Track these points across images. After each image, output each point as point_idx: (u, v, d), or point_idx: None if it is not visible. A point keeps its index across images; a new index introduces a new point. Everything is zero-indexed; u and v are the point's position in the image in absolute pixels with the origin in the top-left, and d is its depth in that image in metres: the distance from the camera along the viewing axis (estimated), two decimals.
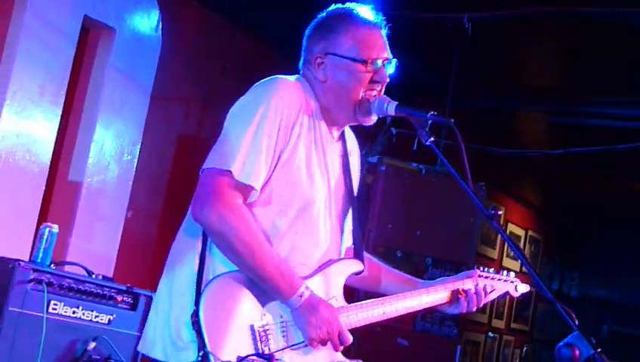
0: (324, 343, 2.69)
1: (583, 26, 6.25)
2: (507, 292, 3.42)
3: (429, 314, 6.72)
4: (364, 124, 2.97)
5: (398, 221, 6.56)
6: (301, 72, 2.98)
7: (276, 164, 2.71)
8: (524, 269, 9.02)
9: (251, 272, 2.64)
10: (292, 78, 2.89)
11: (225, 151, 2.67)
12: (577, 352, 2.45)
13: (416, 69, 7.04)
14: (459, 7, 6.12)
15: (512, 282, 3.41)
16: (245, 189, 2.64)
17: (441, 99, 6.68)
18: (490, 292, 3.30)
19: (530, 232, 11.52)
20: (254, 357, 2.18)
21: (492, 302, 10.69)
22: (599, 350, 2.45)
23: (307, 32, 2.99)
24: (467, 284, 3.23)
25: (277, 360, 2.13)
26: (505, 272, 3.42)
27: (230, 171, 2.61)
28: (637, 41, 5.18)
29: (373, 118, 2.94)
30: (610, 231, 12.78)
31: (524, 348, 11.82)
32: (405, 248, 6.49)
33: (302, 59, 2.99)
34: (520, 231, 11.22)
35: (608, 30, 6.03)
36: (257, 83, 2.82)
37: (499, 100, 7.98)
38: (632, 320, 13.29)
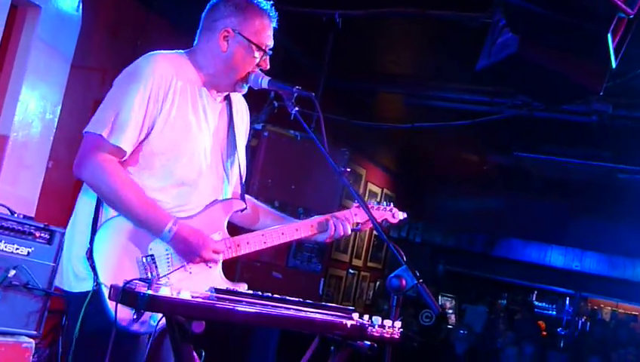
0: (203, 261, 2.68)
1: (430, 26, 6.34)
2: (386, 219, 3.30)
3: (299, 253, 6.77)
4: (238, 92, 2.93)
5: (276, 177, 6.55)
6: (195, 40, 2.88)
7: (151, 128, 2.66)
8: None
9: (126, 215, 2.61)
10: (171, 52, 2.80)
11: (100, 117, 2.63)
12: (404, 282, 2.48)
13: (296, 55, 7.02)
14: (332, 4, 6.09)
15: (390, 211, 3.31)
16: (115, 150, 2.60)
17: (317, 80, 6.69)
18: (368, 220, 3.06)
19: (385, 190, 11.72)
20: (137, 281, 2.12)
21: (353, 243, 10.79)
22: (421, 280, 2.48)
23: (216, 2, 2.86)
24: (342, 215, 3.12)
25: (157, 284, 2.07)
26: (385, 203, 3.32)
27: (101, 135, 2.58)
28: (472, 38, 5.27)
29: (245, 89, 2.90)
30: (447, 191, 13.17)
31: (377, 282, 12.05)
32: (282, 199, 6.48)
33: (202, 26, 2.87)
34: (377, 190, 11.40)
35: (450, 29, 6.13)
36: (138, 59, 2.73)
37: (363, 83, 8.03)
38: (461, 262, 13.77)
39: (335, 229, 3.05)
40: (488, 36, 4.71)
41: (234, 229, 3.04)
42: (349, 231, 3.12)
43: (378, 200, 3.47)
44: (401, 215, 3.37)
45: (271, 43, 2.87)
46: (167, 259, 2.66)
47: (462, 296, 13.80)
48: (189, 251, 2.65)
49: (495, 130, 7.96)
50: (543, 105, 6.50)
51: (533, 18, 4.06)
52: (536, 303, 14.89)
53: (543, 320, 13.76)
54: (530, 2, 4.05)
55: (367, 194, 10.76)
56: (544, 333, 13.16)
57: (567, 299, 14.23)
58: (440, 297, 13.24)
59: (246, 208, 2.97)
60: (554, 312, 14.69)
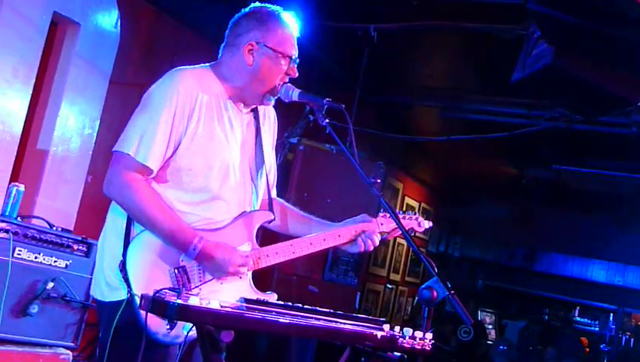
0: (230, 276, 2.70)
1: (465, 38, 6.33)
2: (412, 228, 3.28)
3: (335, 266, 6.77)
4: (264, 105, 2.94)
5: (312, 191, 6.54)
6: (220, 54, 2.92)
7: (178, 145, 2.69)
8: (417, 234, 9.09)
9: (153, 233, 2.65)
10: (194, 67, 2.84)
11: (127, 136, 2.67)
12: (435, 293, 2.47)
13: (332, 69, 7.04)
14: (367, 19, 6.11)
15: (416, 219, 3.29)
16: (142, 168, 2.64)
17: (352, 94, 6.70)
18: (394, 229, 3.11)
19: (423, 204, 11.64)
20: (167, 291, 2.15)
21: (390, 258, 10.70)
22: (452, 292, 2.47)
23: (238, 18, 2.91)
24: (370, 226, 3.10)
25: (186, 294, 2.09)
26: (409, 212, 3.32)
27: (129, 154, 2.62)
28: (506, 51, 5.25)
29: (272, 102, 2.92)
30: (485, 204, 13.04)
31: (416, 298, 11.96)
32: (318, 213, 6.46)
33: (227, 42, 2.91)
34: (415, 203, 11.32)
35: (484, 42, 6.10)
36: (164, 75, 2.77)
37: (399, 96, 8.03)
38: (501, 276, 13.60)
39: (365, 245, 3.07)
40: (523, 48, 4.69)
41: (273, 235, 3.08)
42: (377, 243, 3.12)
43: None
44: (427, 223, 3.36)
45: (296, 52, 2.89)
46: (199, 269, 2.70)
47: (502, 311, 13.63)
48: (215, 268, 2.67)
49: (533, 142, 7.87)
50: (580, 117, 6.42)
51: (567, 29, 4.03)
52: (579, 319, 14.63)
53: (586, 336, 13.52)
54: (564, 13, 4.02)
55: (404, 208, 10.69)
56: (587, 350, 12.93)
57: (611, 314, 13.96)
58: (480, 312, 13.09)
59: (274, 219, 2.98)
60: (597, 328, 14.42)
